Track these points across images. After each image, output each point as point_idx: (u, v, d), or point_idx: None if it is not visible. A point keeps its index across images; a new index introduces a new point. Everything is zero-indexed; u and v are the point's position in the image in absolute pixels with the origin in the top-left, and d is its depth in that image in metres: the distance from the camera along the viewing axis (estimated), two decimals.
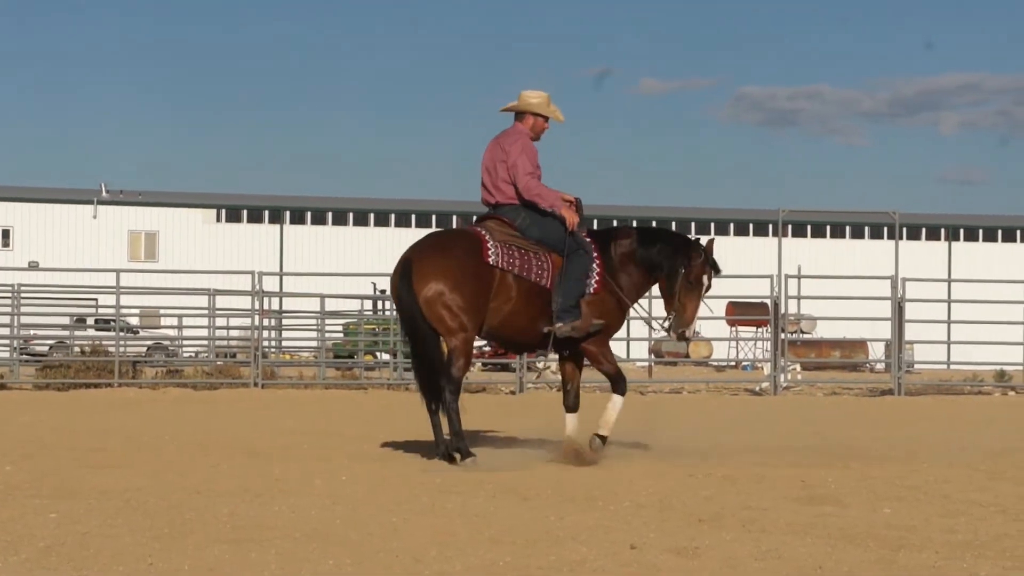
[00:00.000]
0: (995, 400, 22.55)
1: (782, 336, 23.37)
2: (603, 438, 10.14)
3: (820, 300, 26.25)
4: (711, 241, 10.53)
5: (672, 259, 10.35)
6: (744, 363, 45.01)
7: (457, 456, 9.62)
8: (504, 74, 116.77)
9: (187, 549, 6.11)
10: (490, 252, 9.82)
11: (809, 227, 72.41)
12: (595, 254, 10.15)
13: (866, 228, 73.45)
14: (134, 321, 38.02)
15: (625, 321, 10.72)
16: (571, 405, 10.31)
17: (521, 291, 9.89)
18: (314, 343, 31.01)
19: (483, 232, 9.94)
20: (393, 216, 70.77)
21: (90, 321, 37.41)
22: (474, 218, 10.50)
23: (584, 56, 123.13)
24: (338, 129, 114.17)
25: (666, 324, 10.48)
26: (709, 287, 10.46)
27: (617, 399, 10.25)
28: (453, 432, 9.69)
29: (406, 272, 9.73)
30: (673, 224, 72.90)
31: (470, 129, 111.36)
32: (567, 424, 10.20)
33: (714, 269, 10.41)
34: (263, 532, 6.52)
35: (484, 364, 33.47)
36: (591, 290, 10.07)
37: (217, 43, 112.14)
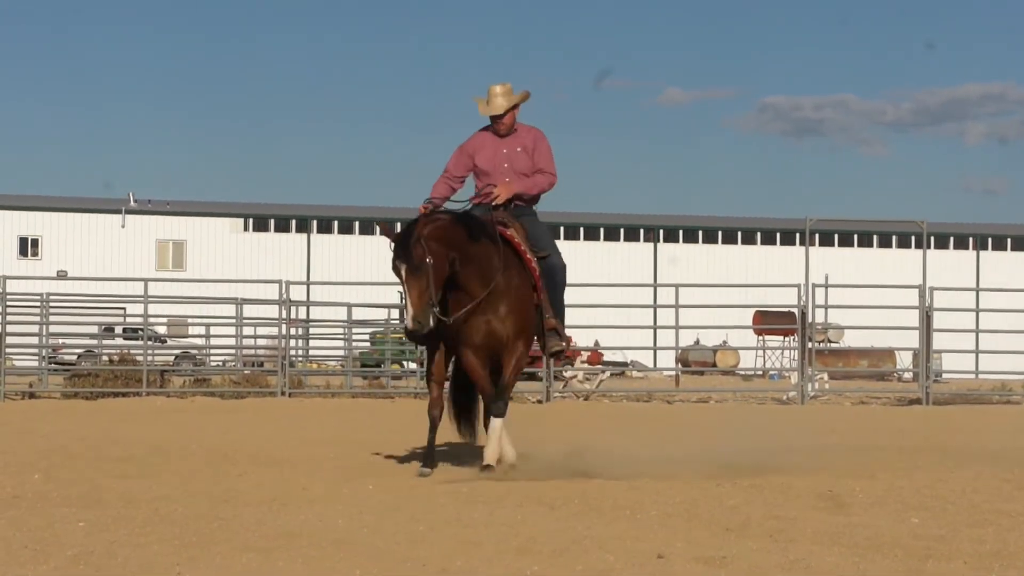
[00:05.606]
0: None
1: (809, 345, 23.32)
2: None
3: (847, 309, 26.17)
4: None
5: None
6: (771, 372, 44.90)
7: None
8: (529, 84, 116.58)
9: (215, 558, 6.13)
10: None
11: (836, 236, 72.20)
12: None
13: (893, 237, 73.19)
14: (162, 330, 38.12)
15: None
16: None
17: None
18: (341, 352, 31.05)
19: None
20: None
21: (118, 330, 37.53)
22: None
23: (607, 66, 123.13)
24: (365, 138, 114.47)
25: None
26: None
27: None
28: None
29: None
30: (700, 233, 72.96)
31: None
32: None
33: None
34: (290, 541, 6.54)
35: None
36: None
37: (245, 53, 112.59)
